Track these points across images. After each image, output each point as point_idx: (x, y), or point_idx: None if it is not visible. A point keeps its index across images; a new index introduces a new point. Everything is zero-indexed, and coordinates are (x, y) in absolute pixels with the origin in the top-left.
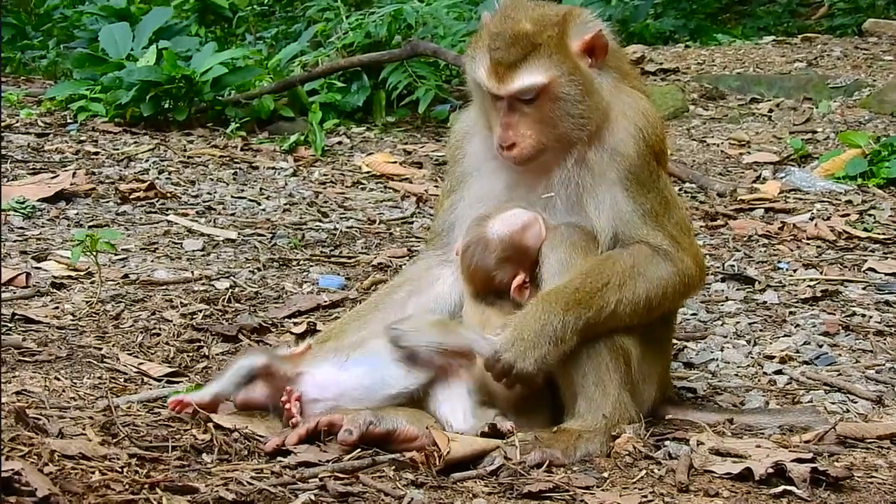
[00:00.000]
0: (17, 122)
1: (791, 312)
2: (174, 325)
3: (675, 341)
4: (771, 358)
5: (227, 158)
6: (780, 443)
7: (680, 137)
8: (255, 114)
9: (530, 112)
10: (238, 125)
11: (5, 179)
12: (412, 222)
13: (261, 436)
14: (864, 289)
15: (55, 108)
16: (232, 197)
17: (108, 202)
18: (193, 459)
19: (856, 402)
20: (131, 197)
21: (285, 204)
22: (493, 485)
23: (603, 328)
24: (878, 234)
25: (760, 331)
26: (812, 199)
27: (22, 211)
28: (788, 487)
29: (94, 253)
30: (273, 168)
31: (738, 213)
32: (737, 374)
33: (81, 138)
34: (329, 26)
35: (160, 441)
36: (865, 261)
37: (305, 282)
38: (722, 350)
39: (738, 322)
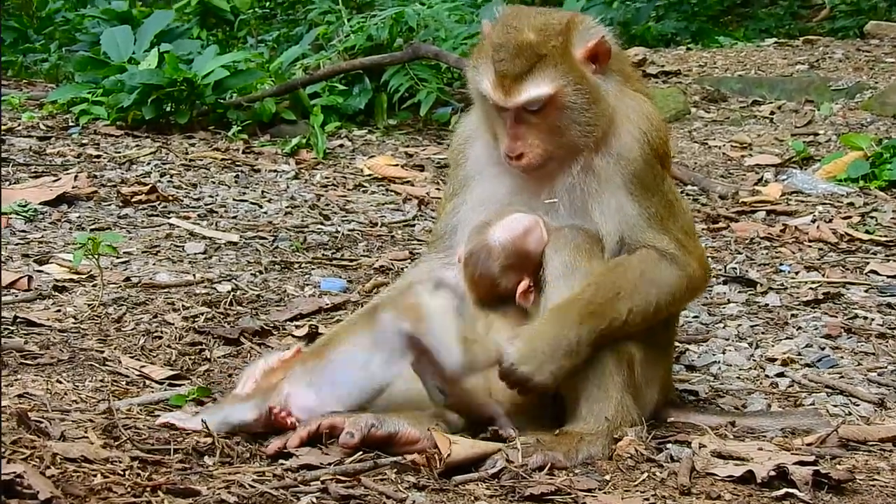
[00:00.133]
0: (19, 125)
1: (793, 315)
2: (176, 328)
3: (676, 344)
4: (773, 360)
5: (229, 161)
6: (782, 445)
7: (681, 140)
8: (256, 117)
9: (537, 122)
10: (240, 128)
11: (7, 183)
12: (414, 225)
13: (262, 439)
14: (866, 291)
15: (57, 111)
16: (234, 200)
17: (109, 205)
18: (195, 462)
19: (858, 405)
20: (133, 200)
21: (287, 207)
22: (495, 487)
23: (613, 337)
24: (880, 236)
25: (762, 333)
26: (814, 201)
27: (24, 214)
28: (790, 490)
29: (96, 256)
30: (275, 171)
31: (739, 216)
32: (739, 377)
33: (83, 141)
34: (331, 29)
35: (162, 444)
36: (867, 263)
37: (307, 284)
38: (724, 353)
39: (739, 325)
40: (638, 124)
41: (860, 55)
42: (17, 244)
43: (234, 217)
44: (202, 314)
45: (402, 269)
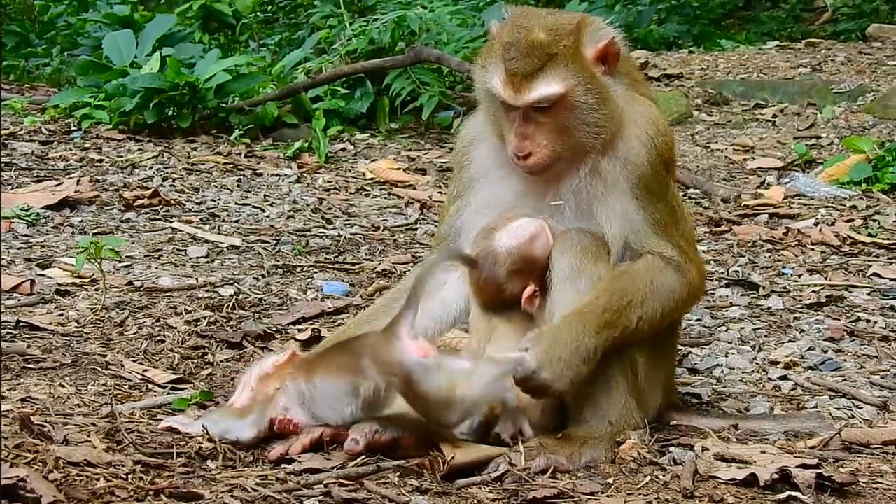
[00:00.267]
0: (22, 129)
1: (796, 318)
2: (178, 331)
3: (679, 347)
4: (776, 363)
5: (231, 165)
6: (785, 448)
7: (684, 143)
8: (258, 120)
9: (546, 121)
10: (242, 132)
11: (10, 187)
12: (416, 229)
13: (265, 444)
14: (868, 294)
15: (59, 115)
16: (236, 204)
17: (112, 209)
18: (198, 466)
19: (861, 408)
20: (135, 204)
21: (289, 210)
22: (498, 491)
23: (624, 344)
24: (883, 239)
25: (765, 336)
26: (816, 204)
27: (26, 218)
28: (793, 493)
29: (99, 260)
30: (277, 175)
31: (742, 219)
32: (741, 380)
33: (85, 146)
34: (332, 33)
35: (165, 448)
36: (870, 266)
37: (310, 288)
38: (727, 356)
39: (742, 328)
40: (646, 129)
41: (862, 58)
42: (19, 248)
43: (237, 221)
44: (205, 318)
45: (404, 272)
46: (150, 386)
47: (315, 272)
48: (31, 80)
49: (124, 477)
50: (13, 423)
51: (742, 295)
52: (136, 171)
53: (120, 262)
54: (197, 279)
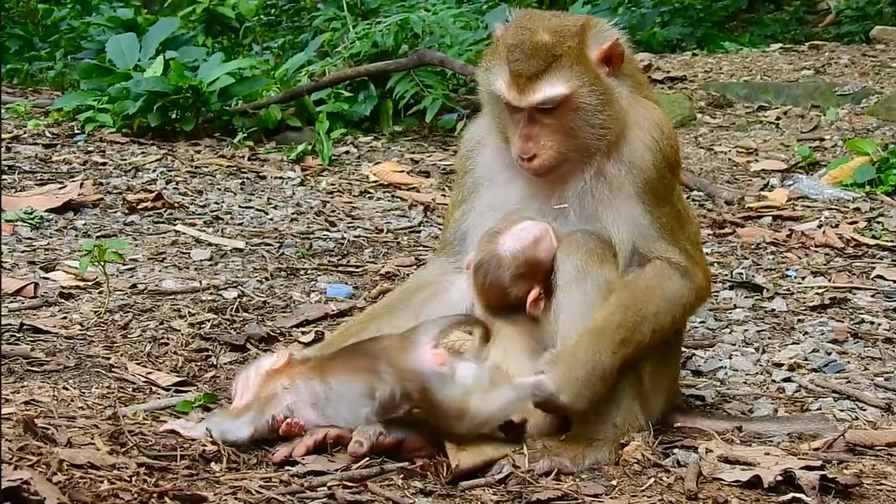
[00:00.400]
0: (25, 133)
1: (799, 320)
2: (182, 334)
3: (683, 349)
4: (779, 365)
5: (235, 168)
6: (789, 450)
7: (687, 145)
8: (262, 124)
9: (550, 123)
10: (245, 135)
11: (13, 190)
12: (419, 231)
13: (269, 446)
14: (872, 296)
15: (63, 118)
16: (239, 207)
17: (115, 212)
18: (202, 468)
19: (864, 410)
20: (139, 207)
21: (293, 213)
22: (502, 493)
23: (637, 359)
24: (887, 241)
25: (769, 338)
26: (820, 206)
27: (30, 221)
28: (797, 495)
29: (102, 263)
30: (280, 178)
31: (745, 221)
32: (745, 382)
33: (89, 149)
34: (336, 36)
35: (168, 450)
36: (874, 268)
37: (313, 291)
38: (730, 358)
39: (746, 330)
40: (650, 132)
41: (866, 60)
42: (23, 251)
43: (240, 224)
44: (208, 321)
45: (407, 275)
46: (154, 388)
47: (318, 275)
48: (34, 84)
49: (128, 479)
50: (17, 425)
51: (746, 297)
52: (139, 175)
53: (123, 265)
54: (200, 282)
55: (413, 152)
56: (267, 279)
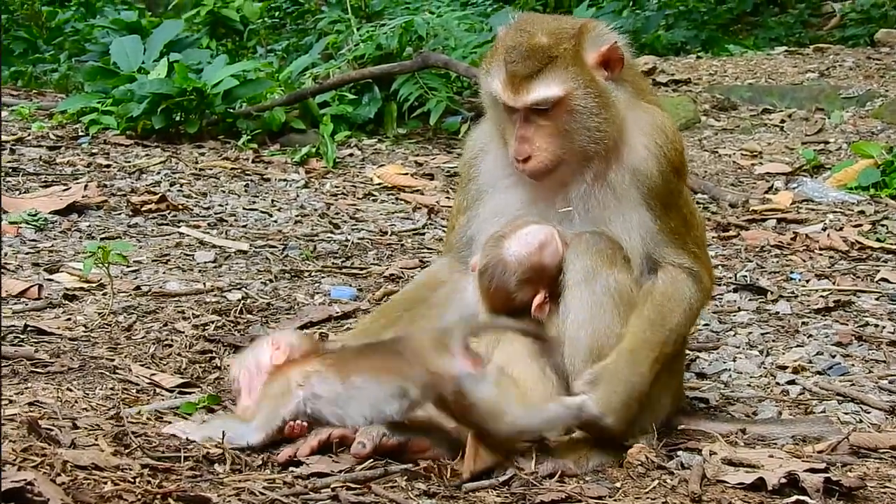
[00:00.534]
0: (29, 135)
1: (804, 323)
2: (186, 336)
3: (687, 352)
4: (784, 368)
5: (239, 170)
6: (793, 453)
7: (692, 148)
8: (266, 126)
9: (546, 125)
10: (249, 137)
11: (17, 192)
12: (424, 233)
13: (273, 447)
14: (876, 299)
15: (67, 121)
16: (244, 209)
17: (119, 214)
18: (206, 470)
19: (869, 413)
20: (143, 209)
21: (297, 215)
22: (506, 495)
23: (662, 368)
24: (891, 244)
25: (773, 341)
26: (824, 209)
27: (34, 223)
28: (801, 497)
29: (106, 265)
30: (284, 180)
31: (750, 224)
32: (749, 385)
33: (93, 151)
34: (340, 38)
35: (172, 451)
36: (878, 271)
37: (317, 293)
38: (734, 360)
39: (750, 332)
40: (654, 138)
41: (870, 63)
42: (27, 253)
43: (244, 226)
44: (212, 322)
45: (411, 277)
46: (158, 390)
47: (323, 277)
48: (38, 86)
49: (132, 480)
50: (21, 426)
51: (750, 300)
52: (143, 177)
53: (127, 266)
54: (204, 284)
55: (417, 155)
56: (271, 281)
